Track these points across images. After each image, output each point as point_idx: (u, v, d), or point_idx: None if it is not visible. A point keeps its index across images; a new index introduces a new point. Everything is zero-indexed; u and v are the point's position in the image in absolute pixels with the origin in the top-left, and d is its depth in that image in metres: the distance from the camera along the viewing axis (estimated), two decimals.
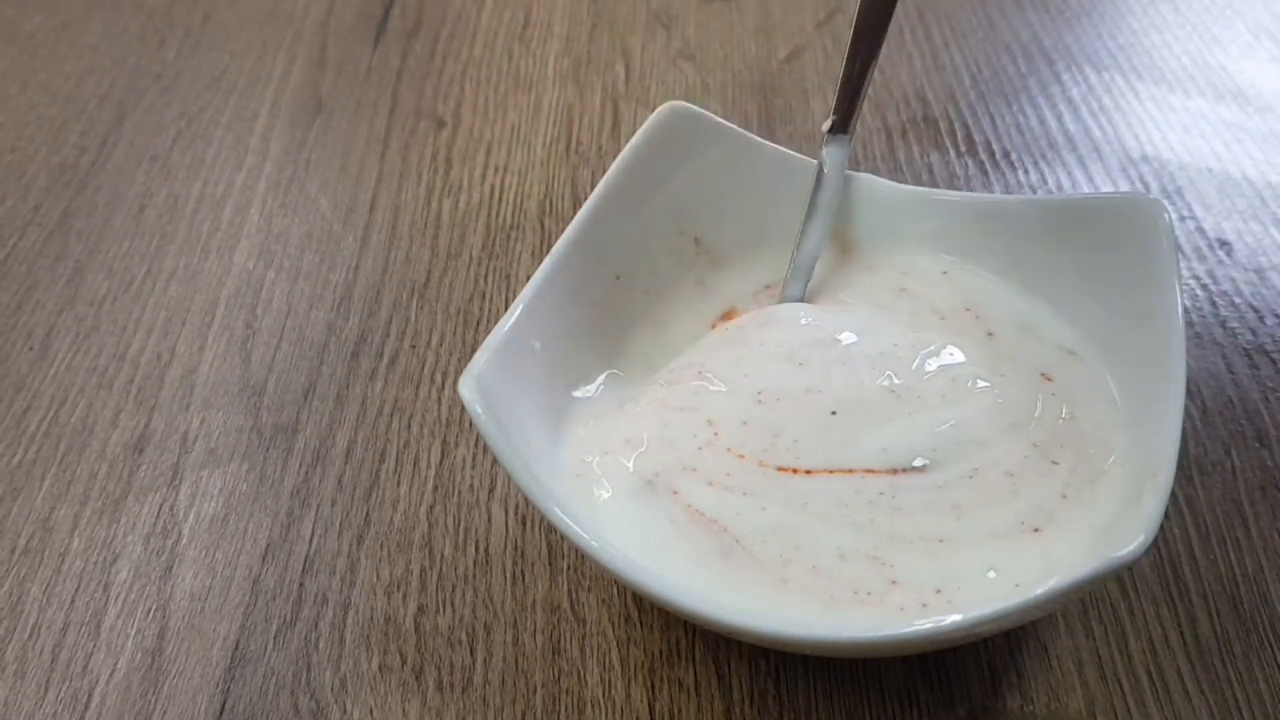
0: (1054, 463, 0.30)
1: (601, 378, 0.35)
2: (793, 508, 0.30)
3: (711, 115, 0.38)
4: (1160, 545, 0.33)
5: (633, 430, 0.32)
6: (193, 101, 0.51)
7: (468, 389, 0.29)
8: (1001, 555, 0.29)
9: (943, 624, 0.26)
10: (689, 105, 0.37)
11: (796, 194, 0.38)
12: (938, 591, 0.28)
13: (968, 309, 0.35)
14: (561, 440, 0.32)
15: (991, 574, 0.29)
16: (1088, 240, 0.34)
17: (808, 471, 0.31)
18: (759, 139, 0.38)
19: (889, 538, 0.29)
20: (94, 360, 0.40)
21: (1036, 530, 0.29)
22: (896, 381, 0.32)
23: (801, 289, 0.37)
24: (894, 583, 0.29)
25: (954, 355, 0.33)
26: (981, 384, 0.32)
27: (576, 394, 0.34)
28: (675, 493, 0.31)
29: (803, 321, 0.34)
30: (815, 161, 0.38)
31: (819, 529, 0.30)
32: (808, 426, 0.31)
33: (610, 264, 0.36)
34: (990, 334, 0.34)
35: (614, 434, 0.32)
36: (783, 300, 0.37)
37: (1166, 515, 0.34)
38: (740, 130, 0.38)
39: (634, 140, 0.37)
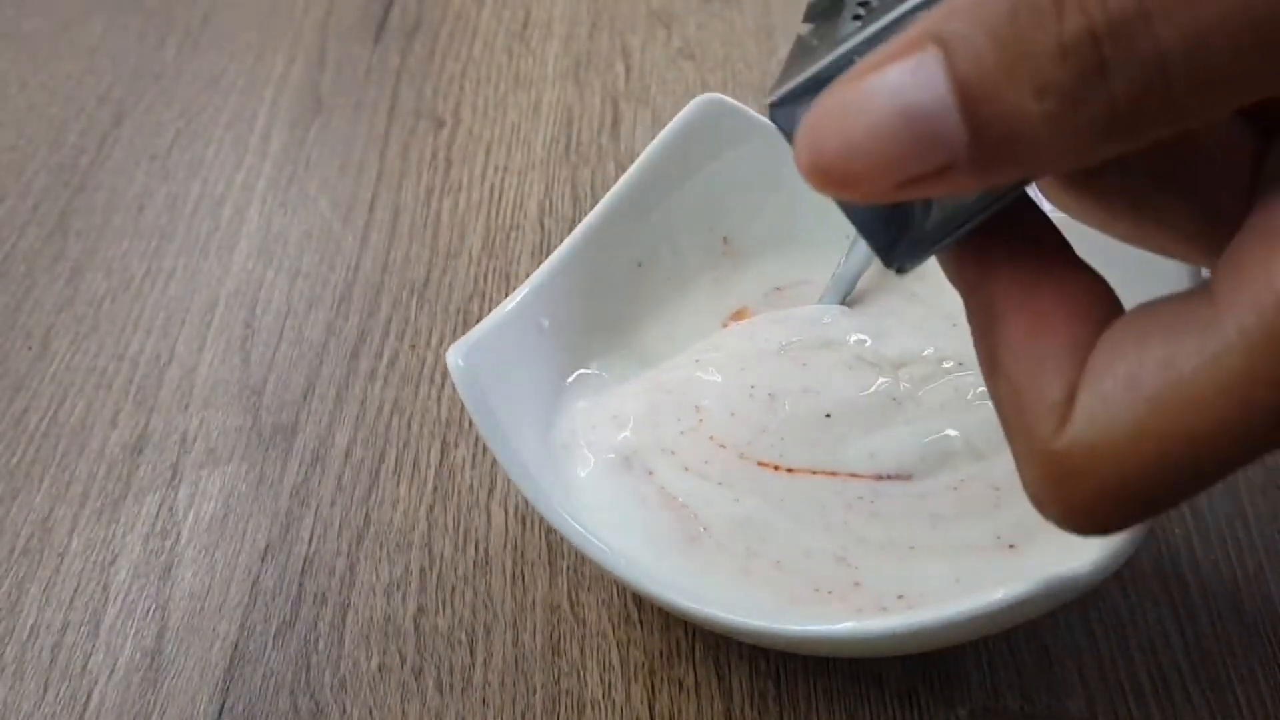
0: None
1: (609, 360, 0.35)
2: (768, 503, 0.30)
3: (748, 109, 0.37)
4: (1160, 545, 0.33)
5: (621, 408, 0.32)
6: (192, 101, 0.51)
7: (455, 357, 0.29)
8: (970, 568, 0.29)
9: (873, 628, 0.26)
10: (725, 98, 0.37)
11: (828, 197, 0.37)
12: (899, 597, 0.28)
13: None
14: (559, 415, 0.32)
15: (957, 585, 0.28)
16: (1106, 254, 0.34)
17: (790, 470, 0.31)
18: None
19: (859, 540, 0.29)
20: (93, 360, 0.40)
21: (1011, 547, 0.29)
22: (898, 389, 0.32)
23: (837, 301, 0.36)
24: (857, 584, 0.29)
25: (961, 364, 0.33)
26: (984, 395, 0.32)
27: (583, 371, 0.34)
28: (650, 473, 0.31)
29: (821, 322, 0.34)
30: None
31: (790, 526, 0.30)
32: (799, 425, 0.31)
33: (634, 250, 0.36)
34: None
35: (604, 410, 0.32)
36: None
37: (1167, 516, 0.34)
38: None
39: (667, 130, 0.36)
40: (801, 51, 0.21)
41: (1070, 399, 0.18)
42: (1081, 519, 0.19)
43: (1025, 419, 0.19)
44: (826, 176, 0.17)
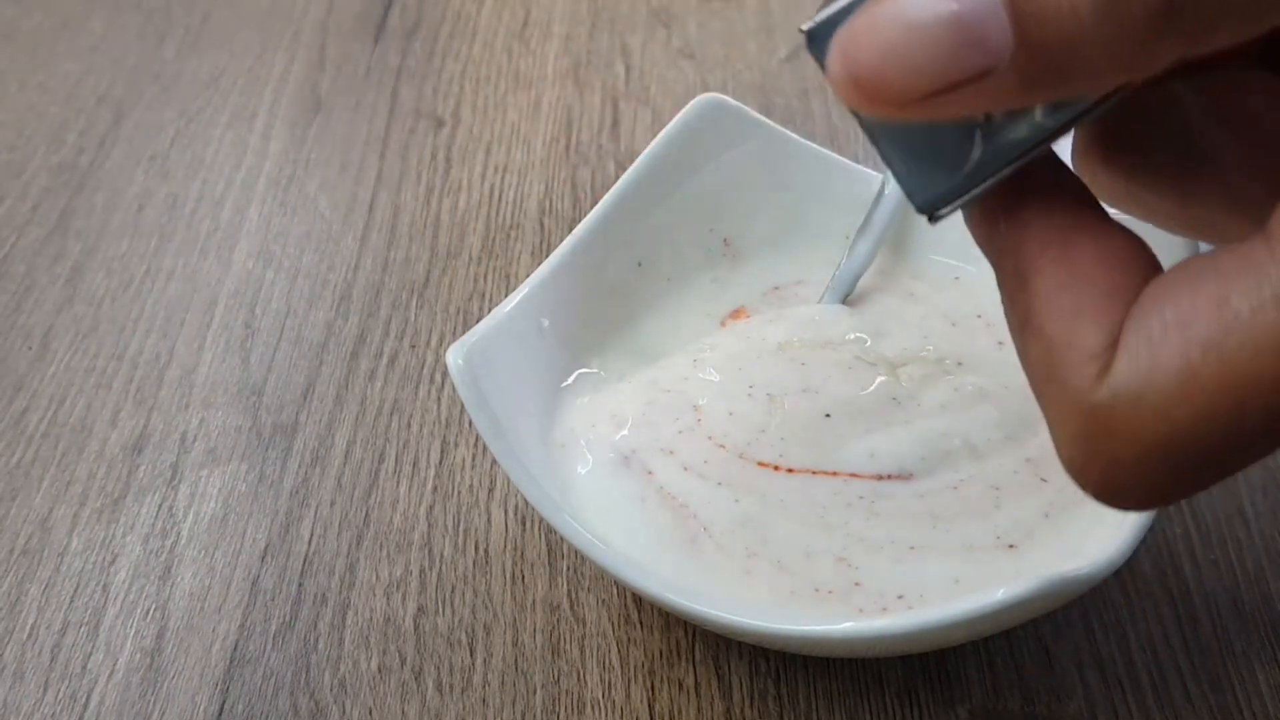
0: (1044, 480, 0.30)
1: (609, 359, 0.35)
2: (767, 503, 0.30)
3: (748, 109, 0.37)
4: (1160, 545, 0.33)
5: (619, 407, 0.32)
6: (192, 101, 0.51)
7: (455, 357, 0.29)
8: (970, 568, 0.29)
9: (873, 628, 0.26)
10: (725, 98, 0.37)
11: (832, 197, 0.37)
12: (899, 597, 0.28)
13: (979, 316, 0.35)
14: (559, 414, 0.32)
15: (957, 585, 0.28)
16: None
17: (790, 470, 0.31)
18: (799, 137, 0.38)
19: (859, 540, 0.29)
20: (93, 360, 0.40)
21: (1011, 546, 0.29)
22: (898, 388, 0.32)
23: (837, 301, 0.36)
24: (857, 584, 0.29)
25: (961, 364, 0.33)
26: (983, 395, 0.32)
27: (583, 370, 0.34)
28: (649, 473, 0.31)
29: (820, 322, 0.34)
30: (856, 166, 0.38)
31: (790, 526, 0.30)
32: (798, 426, 0.31)
33: (633, 250, 0.36)
34: (1000, 343, 0.34)
35: (602, 409, 0.32)
36: None
37: (1167, 516, 0.34)
38: (779, 127, 0.38)
39: (667, 130, 0.36)
40: None
41: (1111, 347, 0.17)
42: (1123, 481, 0.17)
43: (1060, 371, 0.17)
44: (859, 87, 0.16)
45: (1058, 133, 0.19)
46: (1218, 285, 0.16)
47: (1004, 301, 0.19)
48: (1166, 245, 0.20)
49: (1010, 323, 0.19)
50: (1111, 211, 0.20)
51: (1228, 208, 0.20)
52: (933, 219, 0.19)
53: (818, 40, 0.19)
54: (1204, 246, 0.25)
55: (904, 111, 0.16)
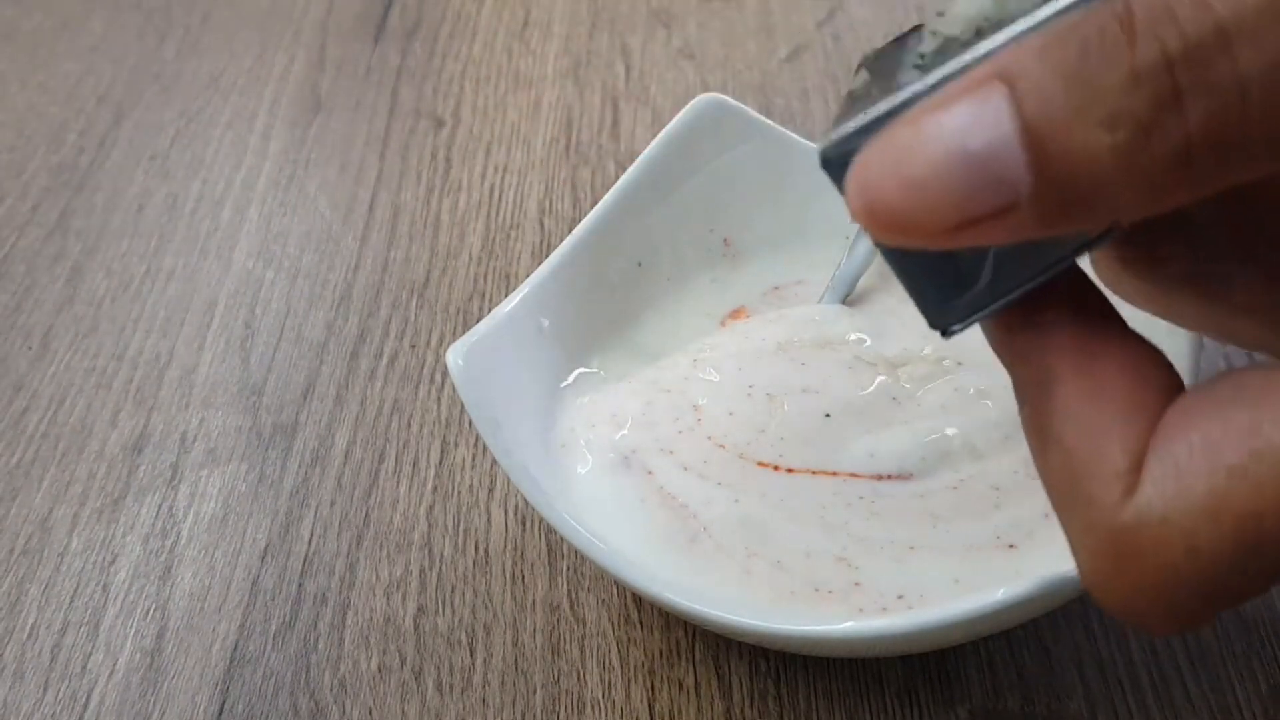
0: None
1: (609, 359, 0.35)
2: (767, 503, 0.30)
3: (748, 109, 0.37)
4: None
5: (619, 407, 0.32)
6: (191, 101, 0.51)
7: (455, 357, 0.29)
8: (970, 567, 0.29)
9: (873, 628, 0.26)
10: (725, 98, 0.37)
11: (832, 197, 0.37)
12: (899, 597, 0.28)
13: None
14: (559, 414, 0.32)
15: (957, 585, 0.28)
16: None
17: (789, 470, 0.31)
18: (799, 137, 0.38)
19: (859, 540, 0.29)
20: (93, 360, 0.40)
21: (1011, 546, 0.29)
22: (898, 388, 0.32)
23: (837, 301, 0.36)
24: (857, 584, 0.29)
25: (961, 364, 0.33)
26: (983, 395, 0.32)
27: (583, 370, 0.34)
28: (650, 473, 0.31)
29: (820, 322, 0.34)
30: None
31: (790, 526, 0.30)
32: (798, 426, 0.31)
33: (633, 250, 0.36)
34: None
35: (603, 409, 0.32)
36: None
37: None
38: (779, 127, 0.38)
39: (667, 130, 0.36)
40: (853, 102, 0.20)
41: (1136, 468, 0.17)
42: (1147, 605, 0.17)
43: (1084, 488, 0.17)
44: (879, 218, 0.16)
45: (1070, 259, 0.19)
46: (1246, 411, 0.16)
47: (1020, 408, 0.19)
48: (1145, 323, 0.20)
49: (1027, 429, 0.19)
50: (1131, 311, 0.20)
51: (1247, 317, 0.20)
52: (945, 334, 0.20)
53: (833, 165, 0.19)
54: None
55: (923, 243, 0.16)
